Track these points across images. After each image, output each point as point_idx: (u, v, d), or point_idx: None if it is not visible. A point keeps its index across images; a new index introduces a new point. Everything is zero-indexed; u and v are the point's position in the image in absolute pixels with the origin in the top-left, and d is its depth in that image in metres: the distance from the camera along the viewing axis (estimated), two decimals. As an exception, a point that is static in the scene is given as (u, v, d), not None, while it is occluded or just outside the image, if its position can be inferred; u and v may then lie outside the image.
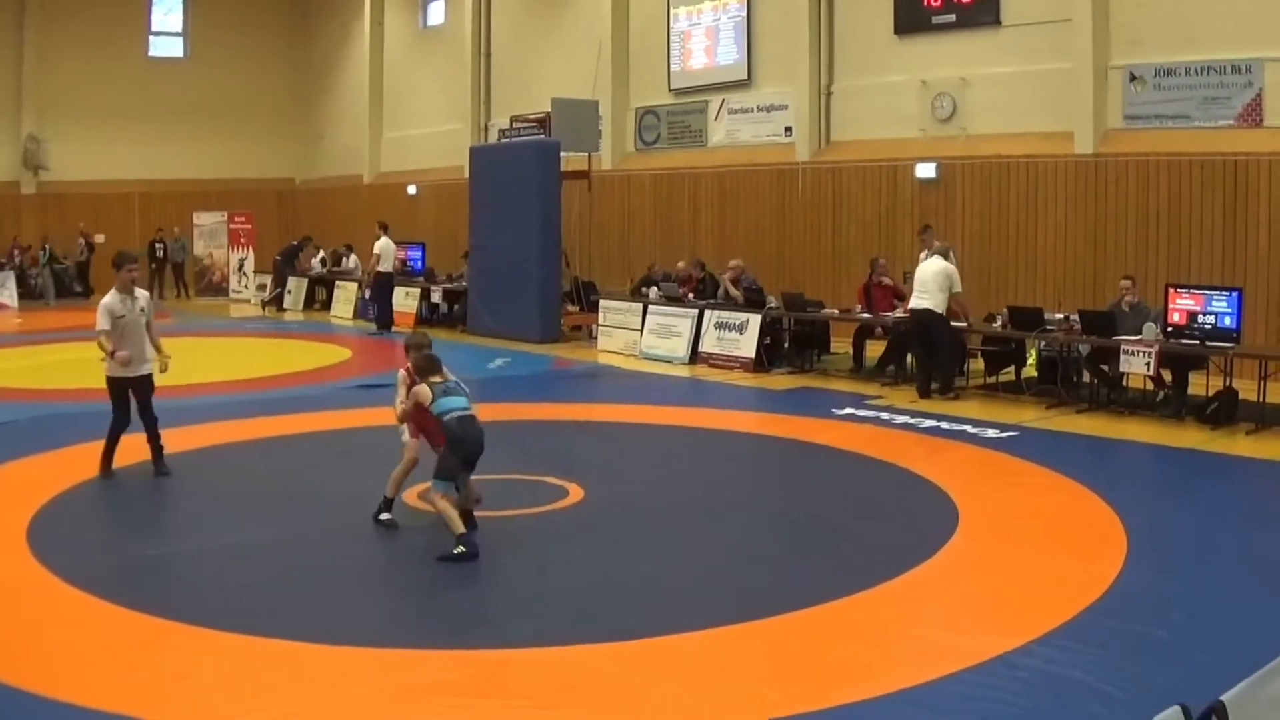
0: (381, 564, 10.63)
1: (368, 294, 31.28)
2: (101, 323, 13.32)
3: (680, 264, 26.44)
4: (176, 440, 15.32)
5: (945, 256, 19.58)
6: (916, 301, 19.37)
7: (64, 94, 42.48)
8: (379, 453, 14.25)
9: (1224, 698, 4.25)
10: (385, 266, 29.78)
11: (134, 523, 11.92)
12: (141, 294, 13.78)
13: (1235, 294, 16.69)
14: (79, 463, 13.97)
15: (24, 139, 42.18)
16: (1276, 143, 20.04)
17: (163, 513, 12.36)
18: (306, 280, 36.99)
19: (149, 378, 13.75)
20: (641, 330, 24.74)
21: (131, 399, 13.67)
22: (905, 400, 18.60)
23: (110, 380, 13.61)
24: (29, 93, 42.35)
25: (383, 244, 29.87)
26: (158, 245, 41.08)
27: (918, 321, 19.41)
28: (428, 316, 31.39)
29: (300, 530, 11.54)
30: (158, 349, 13.78)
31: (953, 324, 19.34)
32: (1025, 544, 10.84)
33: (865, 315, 21.69)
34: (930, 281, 19.18)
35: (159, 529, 11.71)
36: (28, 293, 39.61)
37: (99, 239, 41.11)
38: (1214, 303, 16.68)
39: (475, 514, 11.07)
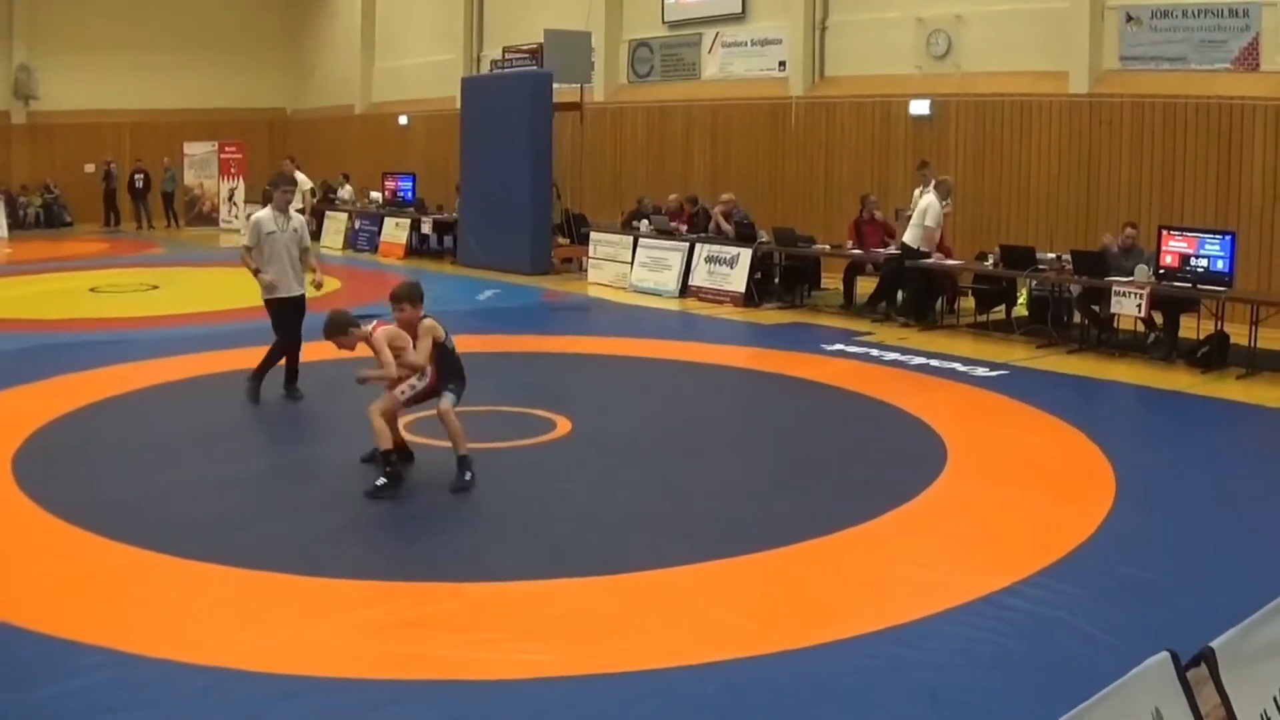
0: (362, 497, 10.55)
1: None
2: (248, 237, 13.71)
3: (671, 197, 26.38)
4: (164, 370, 15.38)
5: (931, 189, 20.36)
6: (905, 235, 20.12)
7: (55, 24, 42.06)
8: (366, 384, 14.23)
9: (1213, 644, 4.22)
10: (296, 204, 28.00)
11: (119, 454, 11.82)
12: (296, 215, 14.12)
13: (1228, 237, 16.63)
14: (65, 394, 13.95)
15: (15, 69, 41.76)
16: (1272, 87, 19.93)
17: (148, 444, 12.27)
18: (297, 210, 36.83)
19: (302, 299, 14.06)
20: (632, 263, 24.67)
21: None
22: (895, 337, 18.57)
23: (267, 303, 13.92)
24: (20, 22, 41.88)
25: (299, 181, 27.83)
26: (137, 176, 40.89)
27: (902, 254, 20.14)
28: (418, 247, 31.33)
29: (286, 461, 11.55)
30: (312, 269, 14.20)
31: (921, 260, 19.86)
32: (1013, 484, 10.82)
33: (856, 251, 21.66)
34: (915, 215, 20.00)
35: (145, 461, 11.62)
36: (17, 223, 39.54)
37: (89, 168, 41.10)
38: (1207, 246, 16.62)
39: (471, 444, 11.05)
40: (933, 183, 20.55)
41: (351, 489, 10.72)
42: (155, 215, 41.03)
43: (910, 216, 20.57)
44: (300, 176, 28.31)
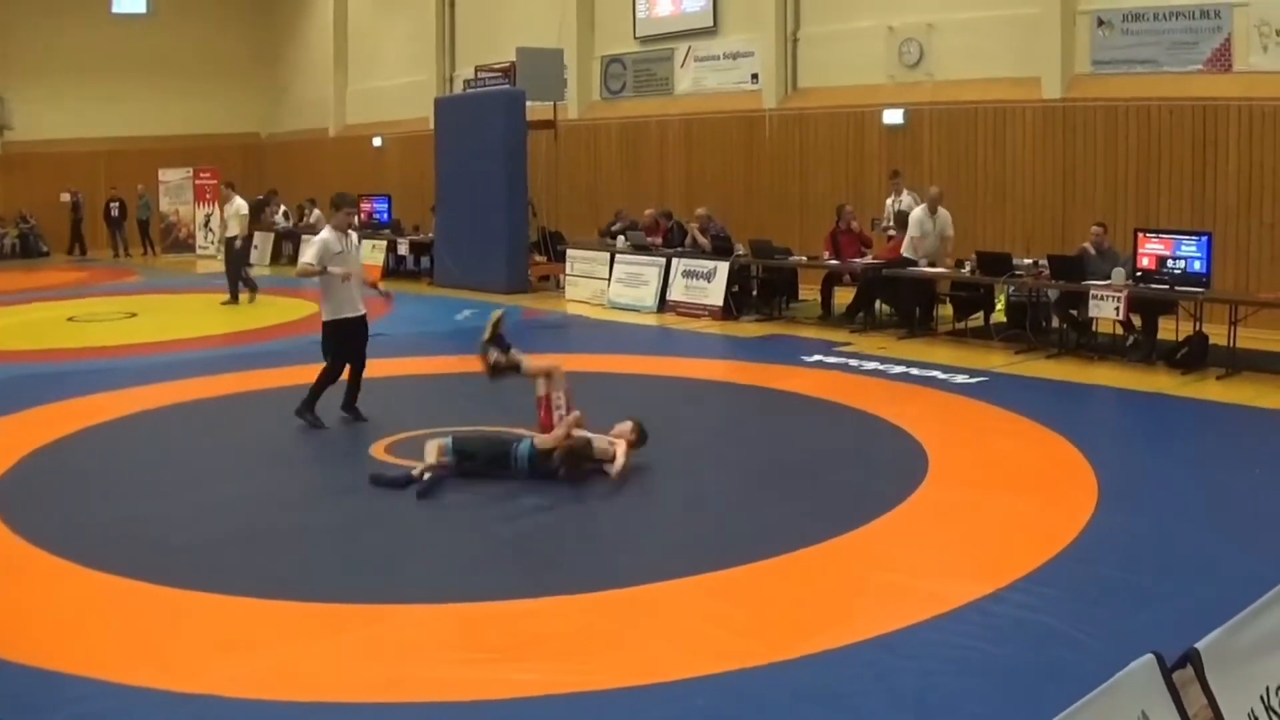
0: (348, 520, 10.54)
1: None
2: (308, 255, 13.71)
3: (647, 212, 26.39)
4: (143, 398, 15.29)
5: (906, 196, 21.75)
6: None
7: (28, 53, 41.94)
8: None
9: (1199, 645, 4.22)
10: (234, 230, 26.38)
11: (100, 483, 11.75)
12: (354, 234, 14.13)
13: (1205, 239, 16.68)
14: (44, 424, 13.88)
15: (-12, 99, 41.80)
16: (1245, 88, 20.00)
17: (128, 472, 12.19)
18: (273, 235, 36.82)
19: (365, 318, 14.04)
20: (609, 279, 24.68)
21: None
22: (874, 347, 18.59)
23: (329, 325, 13.89)
24: (-8, 53, 41.93)
25: (235, 205, 26.86)
26: (113, 204, 40.96)
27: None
28: (394, 268, 31.27)
29: (267, 487, 11.48)
30: (374, 284, 14.52)
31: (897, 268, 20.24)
32: (996, 490, 10.84)
33: (833, 262, 21.69)
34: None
35: (125, 489, 11.53)
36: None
37: (64, 198, 41.00)
38: (1183, 247, 16.68)
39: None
40: (905, 192, 21.06)
41: (333, 514, 10.70)
42: (131, 243, 40.99)
43: (887, 226, 21.05)
44: (238, 200, 27.06)
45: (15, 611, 8.19)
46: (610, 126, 32.47)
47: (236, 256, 26.38)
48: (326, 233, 13.74)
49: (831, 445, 13.16)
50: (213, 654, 7.42)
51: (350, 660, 7.32)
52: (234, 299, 25.81)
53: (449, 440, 11.40)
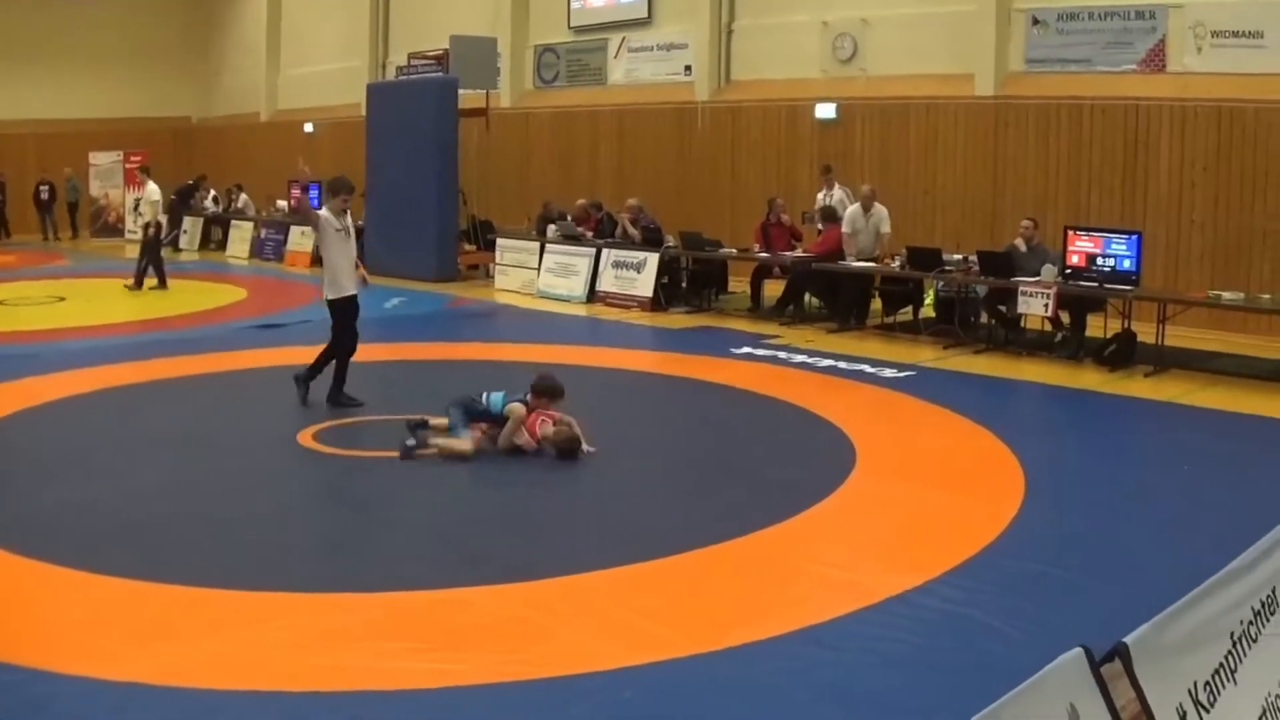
0: (275, 508, 10.44)
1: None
2: (308, 222, 13.86)
3: (579, 202, 26.32)
4: (72, 383, 15.12)
5: (839, 192, 22.20)
6: None
7: (-42, 35, 41.61)
8: (275, 394, 14.10)
9: (1127, 639, 4.20)
10: (148, 216, 26.26)
11: (27, 469, 11.53)
12: (349, 217, 14.18)
13: (1134, 237, 16.77)
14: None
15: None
16: (1178, 88, 20.12)
17: (55, 458, 11.95)
18: (202, 220, 36.58)
19: (356, 298, 14.08)
20: (539, 269, 24.60)
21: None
22: (803, 340, 18.60)
23: (330, 303, 13.94)
24: (-77, 34, 41.42)
25: (148, 191, 26.64)
26: (43, 188, 40.52)
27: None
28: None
29: (195, 474, 11.34)
30: (357, 265, 14.42)
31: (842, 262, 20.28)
32: (923, 483, 10.83)
33: (763, 255, 21.69)
34: None
35: (52, 475, 11.29)
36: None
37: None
38: (1113, 245, 16.75)
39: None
40: (837, 186, 21.27)
41: (262, 502, 10.59)
42: (61, 226, 40.64)
43: (810, 220, 21.36)
44: (151, 186, 26.65)
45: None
46: (542, 116, 32.37)
47: (151, 243, 25.95)
48: (326, 210, 13.95)
49: (759, 438, 13.13)
50: (139, 641, 7.31)
51: (279, 649, 7.22)
52: (137, 285, 25.52)
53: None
